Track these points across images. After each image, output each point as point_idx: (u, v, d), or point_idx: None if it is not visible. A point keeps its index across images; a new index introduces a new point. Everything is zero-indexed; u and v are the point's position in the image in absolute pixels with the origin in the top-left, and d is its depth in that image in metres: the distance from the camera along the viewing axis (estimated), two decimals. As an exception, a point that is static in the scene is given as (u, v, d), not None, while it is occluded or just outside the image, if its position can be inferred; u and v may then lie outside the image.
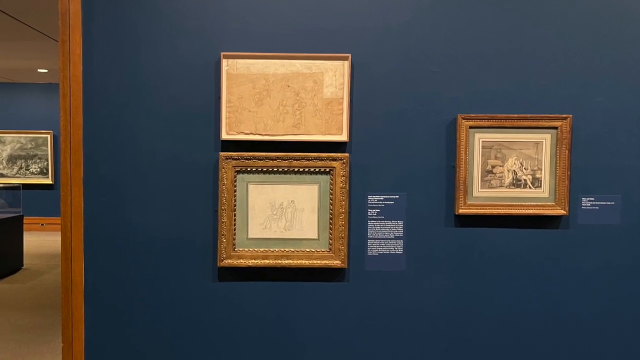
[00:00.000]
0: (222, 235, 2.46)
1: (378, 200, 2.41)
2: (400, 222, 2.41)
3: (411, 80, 2.36)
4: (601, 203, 2.35)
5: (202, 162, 2.45)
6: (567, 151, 2.29)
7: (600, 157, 2.37)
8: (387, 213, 2.40)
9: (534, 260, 2.40)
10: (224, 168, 2.43)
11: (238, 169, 2.43)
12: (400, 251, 2.41)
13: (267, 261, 2.45)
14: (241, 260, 2.46)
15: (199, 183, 2.46)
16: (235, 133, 2.42)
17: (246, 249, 2.46)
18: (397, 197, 2.40)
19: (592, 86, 2.35)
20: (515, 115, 2.31)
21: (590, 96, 2.35)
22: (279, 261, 2.45)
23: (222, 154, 2.41)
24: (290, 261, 2.44)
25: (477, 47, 2.38)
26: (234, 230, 2.46)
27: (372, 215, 2.42)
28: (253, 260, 2.46)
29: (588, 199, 2.35)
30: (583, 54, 2.36)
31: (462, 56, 2.37)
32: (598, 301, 2.42)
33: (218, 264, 2.45)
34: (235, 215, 2.46)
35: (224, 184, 2.44)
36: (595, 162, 2.37)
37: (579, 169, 2.36)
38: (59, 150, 2.29)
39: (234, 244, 2.47)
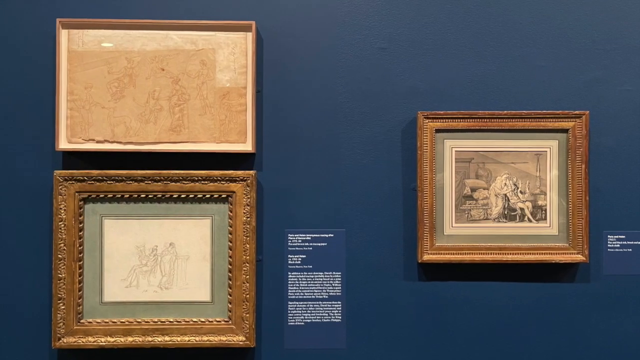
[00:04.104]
0: (59, 299, 1.64)
1: (303, 241, 1.73)
2: (338, 275, 1.73)
3: (349, 61, 1.74)
4: (636, 243, 1.76)
5: (32, 184, 1.68)
6: (583, 165, 1.71)
7: (632, 173, 1.76)
8: (317, 260, 1.73)
9: (539, 329, 1.75)
10: (61, 194, 1.64)
11: (85, 195, 1.65)
12: (338, 318, 1.73)
13: (131, 339, 1.66)
14: (89, 339, 1.65)
15: (30, 217, 1.68)
16: (81, 140, 1.65)
17: (99, 320, 1.66)
18: (332, 235, 1.73)
19: (616, 70, 1.76)
20: (505, 112, 1.71)
21: (614, 84, 1.76)
22: (151, 338, 1.66)
23: (58, 172, 1.64)
24: (168, 338, 1.66)
25: (447, 13, 1.74)
26: (79, 290, 1.65)
27: (295, 264, 1.73)
28: (108, 338, 1.65)
29: (617, 237, 1.76)
30: (604, 23, 1.75)
31: (425, 26, 1.74)
32: (634, 389, 1.78)
33: (53, 344, 1.65)
34: (81, 267, 1.65)
35: (61, 219, 1.64)
36: (626, 181, 1.76)
37: (603, 192, 1.76)
38: None
39: (80, 312, 1.65)
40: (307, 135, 1.71)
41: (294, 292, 1.71)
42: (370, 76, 1.71)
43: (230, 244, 1.65)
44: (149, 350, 1.66)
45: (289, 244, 1.71)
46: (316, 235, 1.71)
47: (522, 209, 1.71)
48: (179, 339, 1.65)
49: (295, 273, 1.71)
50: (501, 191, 1.71)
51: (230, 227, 1.65)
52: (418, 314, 1.72)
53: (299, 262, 1.71)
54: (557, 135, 1.70)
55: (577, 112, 1.69)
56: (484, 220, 1.71)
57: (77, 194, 1.62)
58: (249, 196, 1.64)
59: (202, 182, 1.64)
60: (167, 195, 1.65)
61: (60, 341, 1.63)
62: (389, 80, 1.71)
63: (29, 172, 1.66)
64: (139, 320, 1.65)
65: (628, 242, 1.75)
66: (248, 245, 1.65)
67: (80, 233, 1.64)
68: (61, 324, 1.63)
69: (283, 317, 1.70)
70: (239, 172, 1.65)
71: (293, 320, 1.71)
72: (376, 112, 1.71)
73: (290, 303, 1.70)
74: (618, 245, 1.75)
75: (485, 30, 1.72)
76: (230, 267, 1.65)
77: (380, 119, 1.71)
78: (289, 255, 1.71)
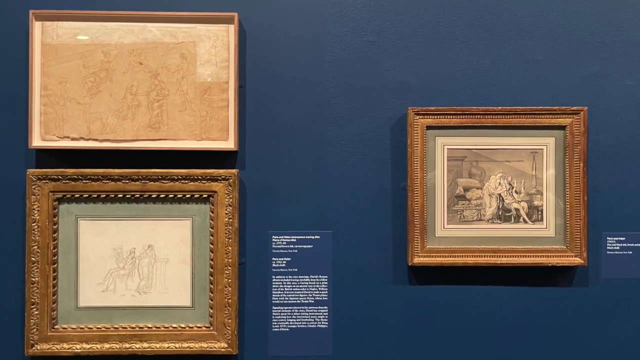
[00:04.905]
0: (33, 304, 1.58)
1: (288, 244, 1.67)
2: (324, 278, 1.68)
3: (336, 55, 1.68)
4: (637, 245, 1.72)
5: (4, 184, 1.63)
6: (581, 164, 1.66)
7: (632, 172, 1.72)
8: (302, 263, 1.67)
9: (535, 335, 1.70)
10: (35, 194, 1.58)
11: (59, 195, 1.59)
12: (324, 324, 1.67)
13: (108, 345, 1.60)
14: (64, 345, 1.59)
15: (1, 218, 1.63)
16: (55, 138, 1.60)
17: (74, 326, 1.61)
18: (318, 237, 1.68)
19: (616, 64, 1.71)
20: (499, 108, 1.66)
21: (614, 79, 1.71)
22: (128, 345, 1.60)
23: (31, 171, 1.58)
24: (146, 345, 1.60)
25: (438, 5, 1.69)
26: (54, 295, 1.59)
27: (279, 268, 1.67)
28: (84, 345, 1.59)
29: (616, 238, 1.72)
30: (603, 15, 1.70)
31: (415, 18, 1.69)
32: (635, 399, 1.73)
33: (25, 352, 1.59)
34: (55, 271, 1.59)
35: (34, 220, 1.58)
36: (626, 180, 1.71)
37: (602, 192, 1.71)
38: None
39: (54, 318, 1.60)
40: (292, 132, 1.65)
41: (278, 297, 1.65)
42: (358, 70, 1.66)
43: (212, 246, 1.60)
44: (127, 357, 1.59)
45: (273, 246, 1.65)
46: (301, 237, 1.65)
47: (517, 210, 1.66)
48: (157, 345, 1.59)
49: (279, 277, 1.65)
50: (495, 191, 1.66)
51: (212, 228, 1.60)
52: (408, 319, 1.66)
53: (284, 265, 1.65)
54: (554, 132, 1.65)
55: (575, 108, 1.64)
56: (477, 221, 1.65)
57: (51, 193, 1.57)
58: (231, 196, 1.59)
59: (182, 181, 1.58)
60: (145, 195, 1.59)
61: (34, 348, 1.57)
62: (378, 75, 1.66)
63: (1, 171, 1.60)
64: (116, 326, 1.60)
65: (628, 244, 1.71)
66: (230, 248, 1.59)
67: (55, 235, 1.58)
68: (34, 330, 1.56)
69: (267, 323, 1.64)
70: (221, 171, 1.59)
71: (277, 326, 1.65)
72: (364, 108, 1.66)
73: (275, 308, 1.65)
74: (618, 248, 1.71)
75: (479, 22, 1.66)
76: (211, 270, 1.60)
77: (369, 115, 1.66)
78: (273, 258, 1.65)
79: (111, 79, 1.58)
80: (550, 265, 1.64)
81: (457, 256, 1.63)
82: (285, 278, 1.65)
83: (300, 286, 1.65)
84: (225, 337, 1.59)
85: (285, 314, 1.65)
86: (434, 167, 1.64)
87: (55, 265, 1.58)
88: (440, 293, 1.66)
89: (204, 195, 1.59)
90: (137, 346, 1.59)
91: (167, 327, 1.60)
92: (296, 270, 1.65)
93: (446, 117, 1.63)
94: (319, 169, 1.65)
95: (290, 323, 1.65)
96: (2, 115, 1.60)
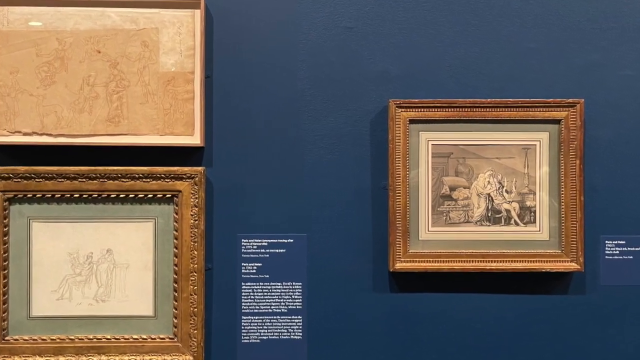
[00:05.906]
0: None
1: (259, 248, 1.64)
2: (298, 285, 1.65)
3: (311, 42, 1.66)
4: (637, 249, 1.70)
5: None
6: (577, 161, 1.64)
7: (632, 170, 1.69)
8: (274, 269, 1.65)
9: (528, 346, 1.67)
10: None
11: (10, 195, 1.55)
12: (298, 335, 1.64)
13: (64, 358, 1.57)
14: (15, 358, 1.56)
15: None
16: (5, 132, 1.55)
17: (26, 337, 1.56)
18: (292, 241, 1.65)
19: (615, 53, 1.69)
20: (489, 100, 1.64)
21: (613, 69, 1.69)
22: (85, 358, 1.57)
23: None
24: (105, 357, 1.57)
25: None
26: (4, 303, 1.55)
27: (249, 274, 1.63)
28: (37, 358, 1.56)
29: (615, 242, 1.69)
30: (601, 0, 1.69)
31: (397, 2, 1.66)
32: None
33: None
34: (6, 277, 1.54)
35: None
36: (626, 179, 1.69)
37: (600, 192, 1.69)
38: None
39: (4, 329, 1.54)
40: (263, 126, 1.61)
41: (248, 305, 1.61)
42: (335, 59, 1.62)
43: (176, 251, 1.56)
44: (83, 371, 1.54)
45: (243, 250, 1.61)
46: (273, 241, 1.62)
47: (507, 211, 1.64)
48: (117, 358, 1.55)
49: (249, 283, 1.61)
50: (484, 190, 1.63)
51: (176, 231, 1.55)
52: (389, 329, 1.63)
53: (254, 271, 1.61)
54: (548, 126, 1.64)
55: (570, 100, 1.63)
56: (465, 223, 1.63)
57: (1, 193, 1.52)
58: (197, 196, 1.54)
59: (144, 179, 1.54)
60: (103, 195, 1.54)
61: (-20, 361, 1.51)
62: (357, 64, 1.63)
63: (-55, 169, 1.55)
64: (72, 337, 1.56)
65: (628, 249, 1.69)
66: (196, 252, 1.55)
67: (5, 238, 1.54)
68: (-18, 342, 1.51)
69: (236, 334, 1.60)
70: (186, 169, 1.56)
71: (247, 337, 1.61)
72: (342, 101, 1.63)
73: (244, 318, 1.61)
74: (617, 252, 1.69)
75: (467, 7, 1.62)
76: (175, 277, 1.56)
77: (347, 108, 1.62)
78: (243, 263, 1.61)
79: (67, 69, 1.52)
80: (543, 271, 1.61)
81: (443, 261, 1.61)
82: (256, 285, 1.61)
83: (272, 294, 1.61)
84: (191, 350, 1.54)
85: (256, 324, 1.61)
86: (418, 164, 1.61)
87: (6, 272, 1.54)
88: (424, 301, 1.63)
89: (167, 195, 1.55)
90: (95, 359, 1.54)
91: (127, 339, 1.56)
92: (267, 276, 1.62)
93: (431, 110, 1.61)
94: (293, 166, 1.61)
95: (261, 334, 1.61)
96: (-52, 108, 1.54)
